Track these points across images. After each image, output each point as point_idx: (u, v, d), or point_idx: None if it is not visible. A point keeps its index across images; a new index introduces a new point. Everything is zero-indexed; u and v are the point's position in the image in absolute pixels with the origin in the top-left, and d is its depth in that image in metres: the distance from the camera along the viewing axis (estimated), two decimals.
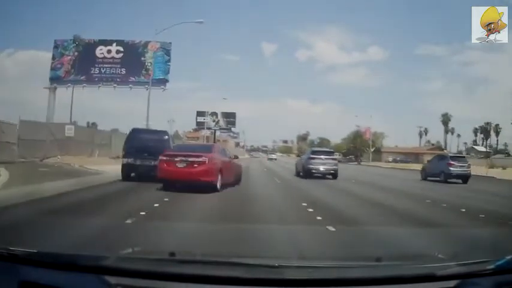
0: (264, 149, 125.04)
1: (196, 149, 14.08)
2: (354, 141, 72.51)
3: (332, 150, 28.09)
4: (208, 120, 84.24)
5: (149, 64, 35.63)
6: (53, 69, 38.76)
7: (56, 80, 38.25)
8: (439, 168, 23.10)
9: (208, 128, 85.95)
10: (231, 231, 6.66)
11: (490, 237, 6.85)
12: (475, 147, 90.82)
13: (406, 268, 2.21)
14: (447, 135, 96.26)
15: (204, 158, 12.06)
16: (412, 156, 68.23)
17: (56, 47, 39.27)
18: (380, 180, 22.14)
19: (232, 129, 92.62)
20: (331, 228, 6.84)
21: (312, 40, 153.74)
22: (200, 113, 78.25)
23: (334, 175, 21.04)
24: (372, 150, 65.90)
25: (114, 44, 37.00)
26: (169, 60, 36.03)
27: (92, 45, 37.97)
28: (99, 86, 36.70)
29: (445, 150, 73.35)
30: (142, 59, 36.11)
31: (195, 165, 11.87)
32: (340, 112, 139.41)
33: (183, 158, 12.03)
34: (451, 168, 22.22)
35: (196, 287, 1.78)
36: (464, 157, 26.34)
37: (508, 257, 2.04)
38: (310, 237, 6.57)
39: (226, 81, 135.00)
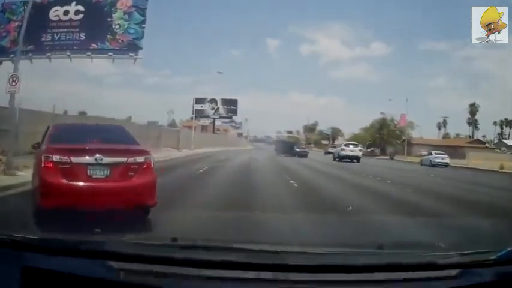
0: (268, 140, 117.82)
1: (101, 134, 7.36)
2: (380, 131, 61.68)
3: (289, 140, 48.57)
4: (207, 107, 75.61)
5: (117, 27, 26.49)
6: None
7: (0, 52, 29.34)
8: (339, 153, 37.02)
9: (207, 117, 77.46)
10: None
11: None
12: (504, 140, 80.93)
13: (407, 256, 2.21)
14: (470, 127, 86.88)
15: (145, 155, 6.46)
16: (449, 150, 57.85)
17: (2, 11, 30.30)
18: None
19: (234, 118, 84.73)
20: None
21: (315, 35, 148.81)
22: (198, 100, 68.57)
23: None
24: (400, 142, 55.97)
25: (73, 3, 27.77)
26: (144, 22, 26.76)
27: (46, 6, 28.78)
28: (49, 56, 27.46)
29: (486, 144, 64.70)
30: (109, 19, 26.88)
31: (131, 173, 6.22)
32: (345, 105, 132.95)
33: (102, 157, 6.03)
34: (342, 152, 36.39)
35: (197, 271, 1.76)
36: (356, 144, 39.74)
37: (510, 248, 2.00)
38: None
39: (230, 74, 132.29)
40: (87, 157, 6.05)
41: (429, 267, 1.88)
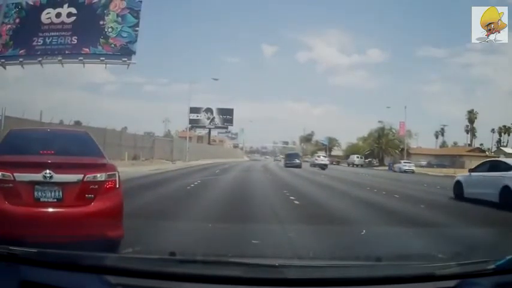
0: (264, 150, 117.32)
1: (57, 143, 5.60)
2: (379, 140, 61.82)
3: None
4: (202, 117, 75.05)
5: (110, 29, 25.96)
6: None
7: None
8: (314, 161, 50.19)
9: (203, 127, 76.87)
10: None
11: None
12: (503, 148, 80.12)
13: (405, 268, 2.21)
14: (468, 135, 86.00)
15: (109, 171, 4.94)
16: (447, 159, 57.41)
17: None
18: None
19: (230, 128, 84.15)
20: None
21: (312, 42, 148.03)
22: (193, 110, 67.65)
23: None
24: (399, 151, 55.90)
25: (66, 6, 27.28)
26: (137, 25, 26.25)
27: (38, 9, 28.31)
28: (40, 61, 26.80)
29: (486, 153, 64.32)
30: (102, 23, 26.37)
31: (89, 196, 4.71)
32: (342, 113, 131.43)
33: (52, 174, 4.58)
34: (315, 161, 48.62)
35: (196, 286, 1.76)
36: (325, 155, 55.79)
37: (508, 257, 1.98)
38: None
39: (226, 82, 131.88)
40: (33, 173, 4.60)
41: (428, 279, 1.86)
